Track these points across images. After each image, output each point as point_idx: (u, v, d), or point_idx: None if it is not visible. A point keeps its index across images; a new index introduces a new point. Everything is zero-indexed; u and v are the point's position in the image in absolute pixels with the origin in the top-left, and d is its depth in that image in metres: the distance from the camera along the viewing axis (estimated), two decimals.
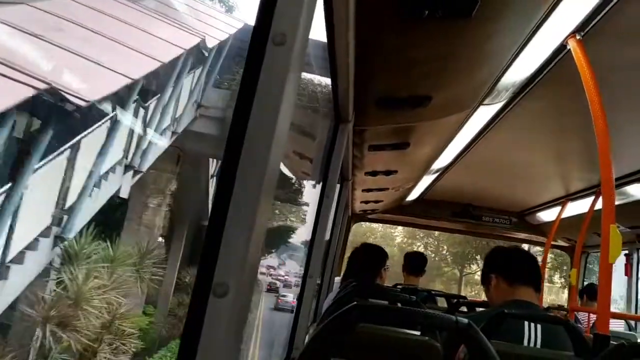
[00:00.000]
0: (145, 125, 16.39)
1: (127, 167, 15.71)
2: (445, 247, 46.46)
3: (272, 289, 44.31)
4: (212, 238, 0.86)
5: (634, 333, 5.14)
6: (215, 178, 23.45)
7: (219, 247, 0.85)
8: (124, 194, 15.98)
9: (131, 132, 15.51)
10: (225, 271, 0.85)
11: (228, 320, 0.84)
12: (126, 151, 15.52)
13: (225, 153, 0.88)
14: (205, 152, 20.62)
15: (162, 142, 17.40)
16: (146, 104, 16.23)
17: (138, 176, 16.46)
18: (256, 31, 0.89)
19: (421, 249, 44.41)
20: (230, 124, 0.89)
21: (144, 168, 16.60)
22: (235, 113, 0.89)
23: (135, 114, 15.73)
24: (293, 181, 28.64)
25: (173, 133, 18.13)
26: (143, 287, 16.86)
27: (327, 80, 2.58)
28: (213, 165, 23.44)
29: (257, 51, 0.88)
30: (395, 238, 49.68)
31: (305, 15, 0.91)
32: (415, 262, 5.78)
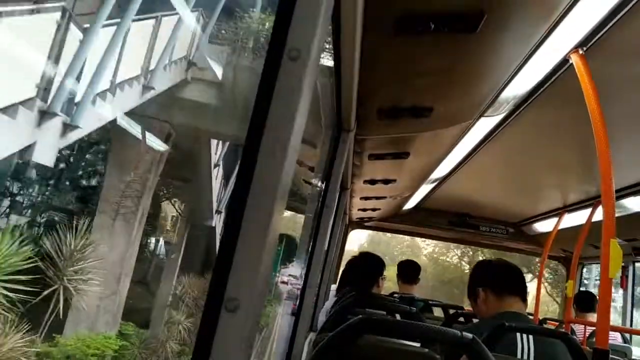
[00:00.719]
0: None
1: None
2: (483, 257, 44.84)
3: (290, 297, 44.19)
4: (225, 253, 0.86)
5: (629, 346, 5.15)
6: (218, 168, 20.13)
7: (231, 261, 0.86)
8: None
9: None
10: (237, 286, 0.85)
11: (239, 335, 0.85)
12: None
13: (240, 167, 0.89)
14: (205, 130, 16.50)
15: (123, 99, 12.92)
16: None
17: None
18: (272, 46, 0.90)
19: (455, 260, 43.28)
20: (246, 137, 0.89)
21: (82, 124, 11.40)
22: (250, 125, 0.90)
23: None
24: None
25: (145, 88, 13.81)
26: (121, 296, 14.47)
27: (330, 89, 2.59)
28: (217, 151, 19.52)
29: (273, 65, 0.89)
30: (425, 248, 45.98)
31: (319, 32, 0.92)
32: (408, 271, 5.80)
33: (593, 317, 5.07)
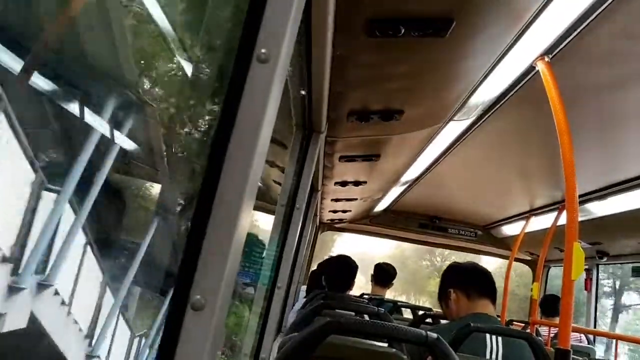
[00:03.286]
0: None
1: None
2: None
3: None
4: (192, 250, 0.86)
5: (592, 347, 5.27)
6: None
7: (197, 259, 0.86)
8: None
9: None
10: (204, 285, 0.85)
11: (205, 334, 0.85)
12: None
13: (207, 168, 0.89)
14: None
15: None
16: None
17: None
18: (241, 49, 0.91)
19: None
20: (213, 138, 0.89)
21: None
22: (218, 125, 0.90)
23: None
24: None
25: None
26: None
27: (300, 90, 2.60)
28: None
29: (241, 68, 0.90)
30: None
31: (289, 34, 0.93)
32: (383, 274, 5.84)
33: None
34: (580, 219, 2.51)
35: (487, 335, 2.45)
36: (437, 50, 2.29)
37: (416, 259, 40.64)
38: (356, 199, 6.05)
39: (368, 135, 3.60)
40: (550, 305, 5.59)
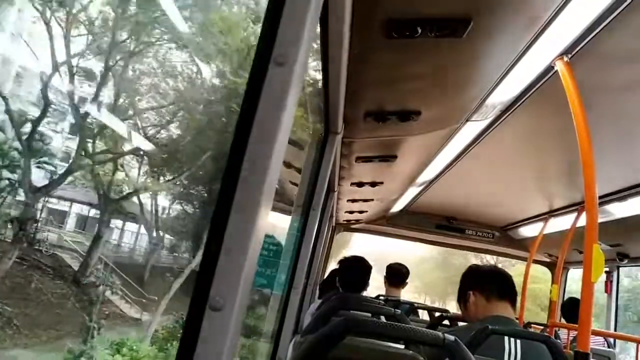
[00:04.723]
0: None
1: None
2: None
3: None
4: (211, 251, 0.87)
5: (613, 350, 5.20)
6: None
7: (217, 260, 0.87)
8: None
9: None
10: (222, 285, 0.87)
11: (224, 334, 0.86)
12: None
13: (225, 170, 0.90)
14: None
15: None
16: None
17: None
18: (259, 52, 0.91)
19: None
20: (232, 141, 0.90)
21: None
22: (237, 128, 0.91)
23: None
24: None
25: None
26: None
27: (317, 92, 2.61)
28: None
29: (259, 71, 0.90)
30: None
31: (306, 36, 0.94)
32: (397, 274, 5.82)
33: None
34: (600, 220, 2.49)
35: (506, 338, 2.43)
36: (455, 50, 2.28)
37: (459, 257, 40.01)
38: (372, 200, 6.04)
39: (384, 136, 3.60)
40: (573, 310, 5.47)
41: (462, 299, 2.76)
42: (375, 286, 6.18)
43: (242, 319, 0.93)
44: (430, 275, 41.63)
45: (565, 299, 6.20)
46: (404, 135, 3.57)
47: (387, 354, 1.96)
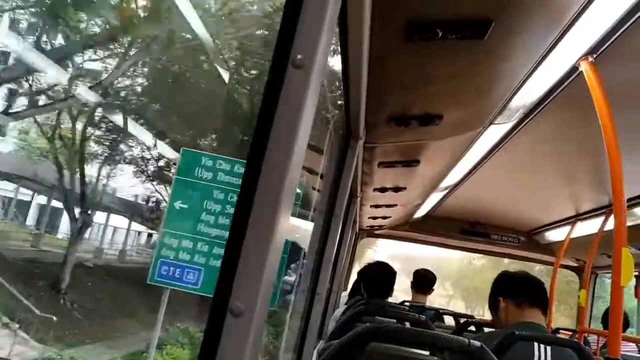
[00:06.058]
0: None
1: None
2: None
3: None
4: (231, 257, 0.87)
5: None
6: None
7: (236, 266, 0.86)
8: None
9: None
10: (243, 291, 0.86)
11: (244, 340, 0.85)
12: None
13: (244, 174, 0.89)
14: None
15: None
16: None
17: None
18: (276, 54, 0.91)
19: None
20: (250, 144, 0.90)
21: None
22: (255, 132, 0.90)
23: None
24: None
25: None
26: None
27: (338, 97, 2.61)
28: None
29: (278, 74, 0.90)
30: None
31: (324, 39, 0.93)
32: (423, 280, 5.77)
33: None
34: (628, 223, 2.44)
35: (535, 345, 2.39)
36: (476, 52, 2.25)
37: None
38: (395, 205, 6.01)
39: (407, 141, 3.58)
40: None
41: (492, 306, 2.72)
42: (404, 289, 6.10)
43: (263, 325, 0.92)
44: (479, 277, 39.43)
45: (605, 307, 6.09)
46: (427, 139, 3.54)
47: None
